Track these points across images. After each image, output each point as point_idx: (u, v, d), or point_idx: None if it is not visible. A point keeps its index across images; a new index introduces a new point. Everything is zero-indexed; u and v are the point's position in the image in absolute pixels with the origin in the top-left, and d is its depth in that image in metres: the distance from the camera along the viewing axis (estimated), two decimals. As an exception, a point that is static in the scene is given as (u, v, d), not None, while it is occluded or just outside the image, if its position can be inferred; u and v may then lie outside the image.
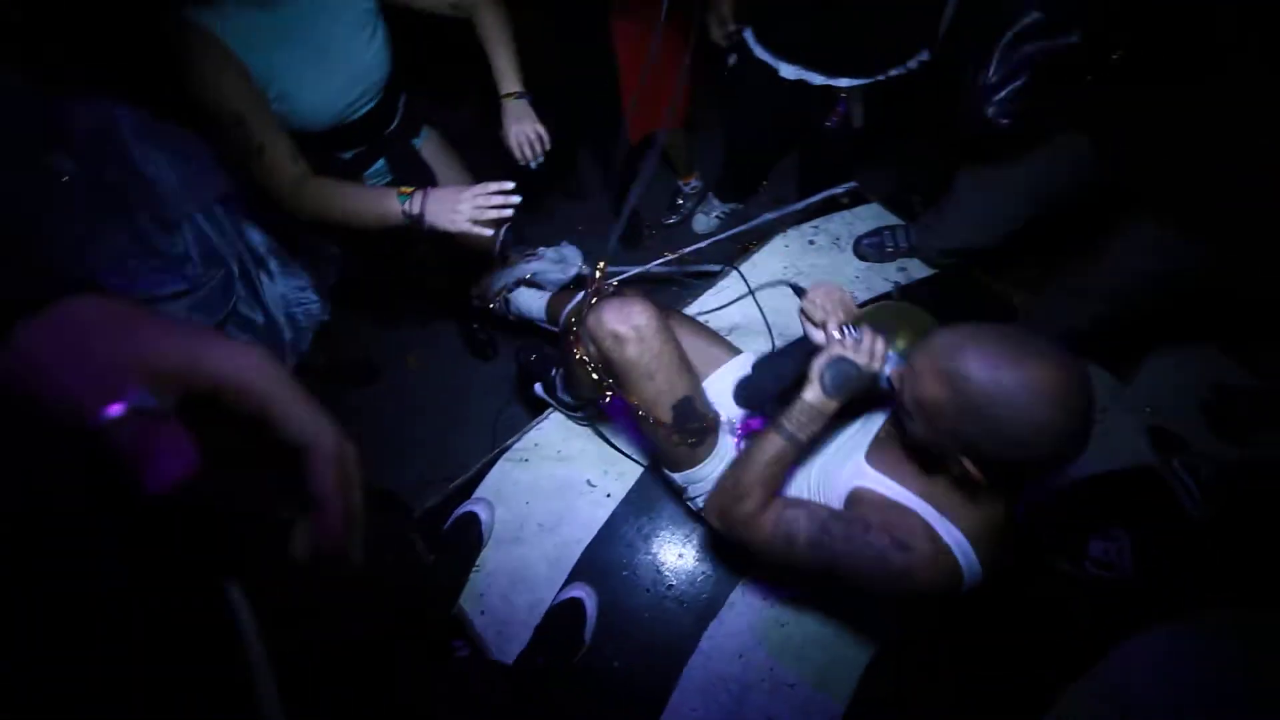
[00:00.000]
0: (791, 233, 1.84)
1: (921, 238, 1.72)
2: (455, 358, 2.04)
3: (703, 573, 1.43)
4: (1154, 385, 1.65)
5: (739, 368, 1.31)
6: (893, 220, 1.84)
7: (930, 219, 1.67)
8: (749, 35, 1.61)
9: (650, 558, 1.44)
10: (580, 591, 1.38)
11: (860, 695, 1.32)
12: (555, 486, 1.51)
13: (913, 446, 0.94)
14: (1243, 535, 1.27)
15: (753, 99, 1.76)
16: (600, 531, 1.45)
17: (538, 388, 1.58)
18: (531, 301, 1.65)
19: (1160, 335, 1.68)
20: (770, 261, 1.79)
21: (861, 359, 0.93)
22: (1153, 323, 1.72)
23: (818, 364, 0.95)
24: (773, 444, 0.99)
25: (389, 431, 1.93)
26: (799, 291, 1.06)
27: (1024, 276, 1.76)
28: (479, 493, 1.53)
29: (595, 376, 1.20)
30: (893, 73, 1.48)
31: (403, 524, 1.46)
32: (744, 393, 1.09)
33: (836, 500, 1.03)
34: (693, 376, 1.18)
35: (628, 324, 1.10)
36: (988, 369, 0.78)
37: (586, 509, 1.48)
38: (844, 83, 1.46)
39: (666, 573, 1.43)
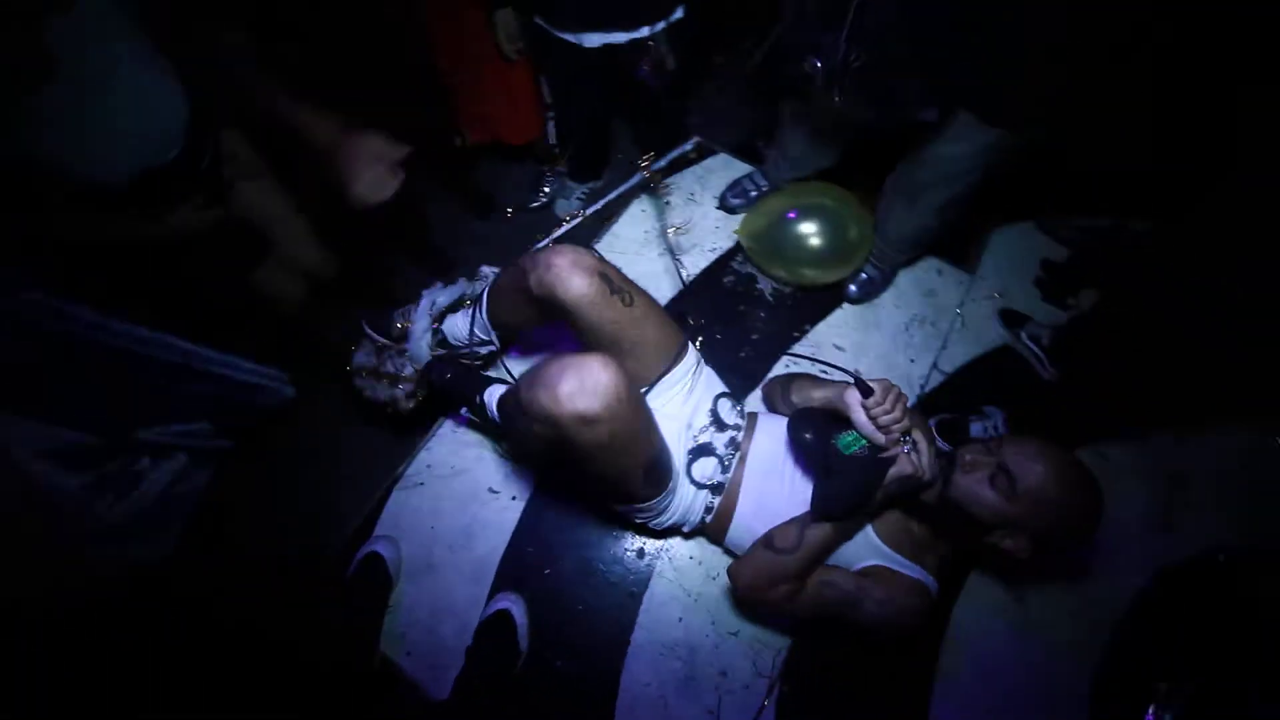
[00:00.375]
0: (646, 197, 1.83)
1: (773, 173, 1.77)
2: (328, 402, 1.89)
3: (625, 550, 1.40)
4: (997, 270, 1.79)
5: (690, 376, 1.23)
6: (741, 166, 1.88)
7: (775, 153, 1.71)
8: (542, 22, 1.61)
9: (570, 549, 1.40)
10: (506, 602, 1.32)
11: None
12: (457, 503, 1.44)
13: (944, 520, 1.09)
14: (1081, 382, 1.41)
15: (568, 78, 1.77)
16: (513, 537, 1.40)
17: (464, 412, 1.41)
18: (465, 325, 1.35)
19: (993, 220, 1.84)
20: (631, 230, 1.78)
21: (926, 476, 1.01)
22: (986, 207, 1.88)
23: (890, 475, 1.01)
24: (825, 533, 1.06)
25: (274, 490, 1.78)
26: (864, 389, 1.02)
27: (870, 191, 1.83)
28: (378, 530, 1.43)
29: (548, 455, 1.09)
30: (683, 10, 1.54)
31: (300, 582, 1.35)
32: (828, 509, 1.05)
33: (847, 563, 1.14)
34: (655, 423, 1.09)
35: (595, 399, 0.89)
36: (1087, 479, 1.00)
37: (494, 517, 1.42)
38: (645, 31, 1.49)
39: (590, 559, 1.39)
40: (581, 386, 0.90)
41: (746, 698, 1.29)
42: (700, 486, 1.22)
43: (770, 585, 1.08)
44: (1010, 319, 1.67)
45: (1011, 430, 1.46)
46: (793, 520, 1.11)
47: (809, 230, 1.53)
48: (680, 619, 1.35)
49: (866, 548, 1.13)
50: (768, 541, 1.10)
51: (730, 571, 1.15)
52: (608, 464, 1.01)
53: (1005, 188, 1.86)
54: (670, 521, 1.24)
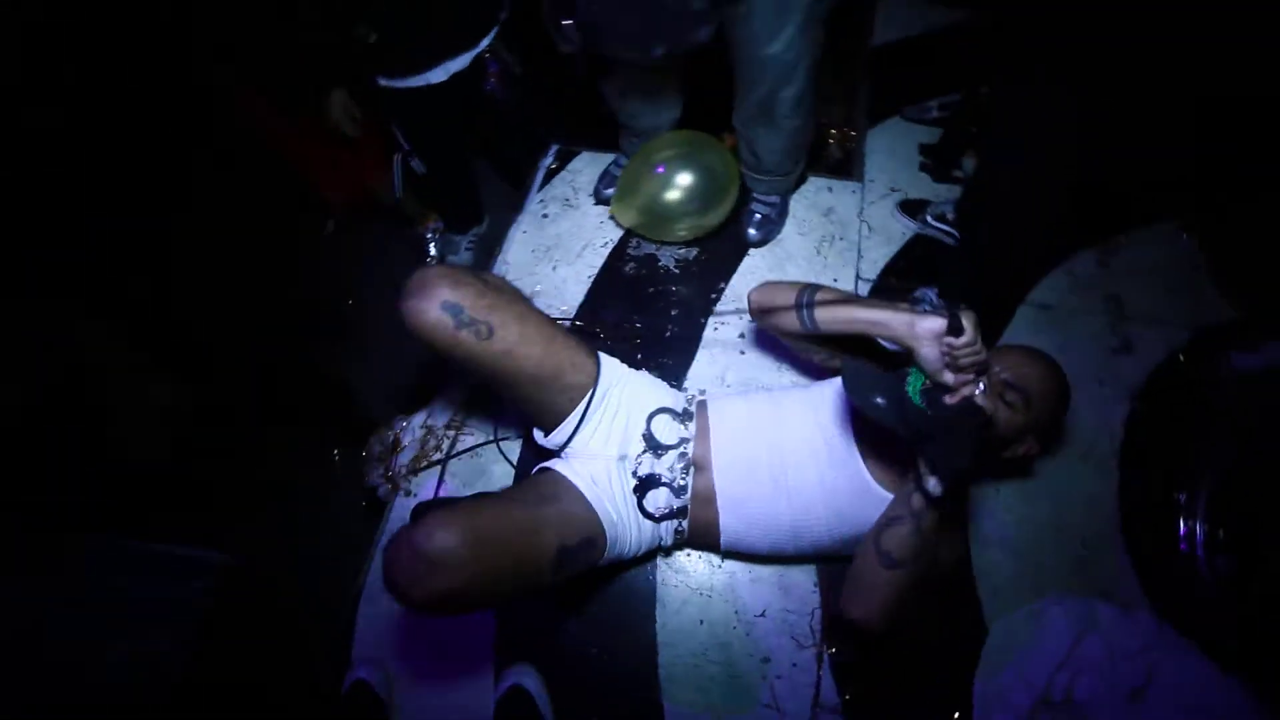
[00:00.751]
0: (523, 218, 1.77)
1: (631, 151, 1.73)
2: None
3: (617, 577, 1.28)
4: (883, 170, 1.80)
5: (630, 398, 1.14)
6: (604, 156, 1.83)
7: (624, 131, 1.68)
8: (386, 81, 1.61)
9: (561, 598, 1.27)
10: (515, 676, 1.19)
11: (826, 570, 1.26)
12: (429, 593, 1.30)
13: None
14: (990, 242, 1.40)
15: (423, 124, 1.74)
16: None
17: None
18: None
19: (862, 126, 1.85)
20: (520, 255, 1.70)
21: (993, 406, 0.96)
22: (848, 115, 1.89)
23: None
24: (939, 516, 0.91)
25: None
26: (956, 326, 0.88)
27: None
28: (356, 654, 1.28)
29: None
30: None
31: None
32: (951, 481, 0.87)
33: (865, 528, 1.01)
34: (555, 515, 0.97)
35: (442, 576, 0.78)
36: (1049, 357, 1.07)
37: (473, 592, 1.29)
38: (484, 44, 1.52)
39: (586, 597, 1.27)
40: (414, 576, 0.78)
41: (798, 675, 1.19)
42: (659, 519, 1.12)
43: (906, 604, 0.93)
44: (911, 208, 1.67)
45: (948, 303, 1.44)
46: (894, 519, 0.92)
47: (678, 182, 1.50)
48: (701, 621, 1.24)
49: (878, 505, 1.04)
50: (884, 559, 0.91)
51: (857, 618, 0.95)
52: (505, 598, 0.94)
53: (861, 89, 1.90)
54: (640, 554, 1.15)
